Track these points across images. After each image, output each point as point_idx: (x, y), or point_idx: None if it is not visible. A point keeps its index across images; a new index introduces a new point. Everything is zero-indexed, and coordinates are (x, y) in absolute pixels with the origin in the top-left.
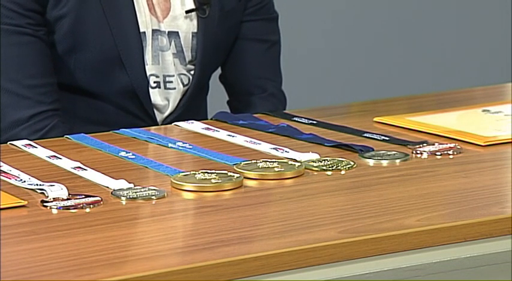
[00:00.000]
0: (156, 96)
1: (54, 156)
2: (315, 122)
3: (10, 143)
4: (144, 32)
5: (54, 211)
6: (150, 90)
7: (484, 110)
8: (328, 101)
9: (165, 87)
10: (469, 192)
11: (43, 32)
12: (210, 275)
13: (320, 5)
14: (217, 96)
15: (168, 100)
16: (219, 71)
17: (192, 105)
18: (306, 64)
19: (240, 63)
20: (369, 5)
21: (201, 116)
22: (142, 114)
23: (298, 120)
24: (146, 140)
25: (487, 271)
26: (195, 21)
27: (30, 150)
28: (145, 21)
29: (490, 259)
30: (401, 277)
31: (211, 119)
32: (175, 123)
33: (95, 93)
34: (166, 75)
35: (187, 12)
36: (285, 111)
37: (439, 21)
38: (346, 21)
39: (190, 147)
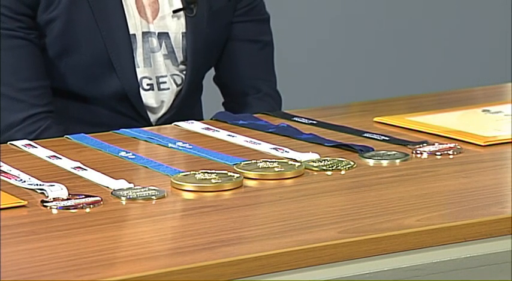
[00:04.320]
0: (149, 98)
1: (54, 156)
2: (315, 122)
3: (10, 143)
4: (134, 35)
5: (54, 211)
6: (144, 92)
7: (484, 110)
8: (328, 101)
9: (159, 89)
10: (469, 192)
11: (34, 35)
12: (210, 275)
13: (321, 4)
14: (212, 98)
15: (162, 101)
16: (212, 72)
17: (185, 106)
18: (306, 64)
19: (233, 64)
20: (369, 5)
21: (195, 117)
22: (135, 115)
23: (298, 120)
24: (146, 140)
25: (487, 271)
26: (183, 21)
27: (30, 150)
28: (135, 24)
29: (490, 259)
30: (401, 277)
31: (211, 119)
32: (175, 123)
33: (86, 96)
34: (159, 76)
35: (174, 11)
36: (284, 111)
37: (439, 21)
38: (346, 21)
39: (190, 147)
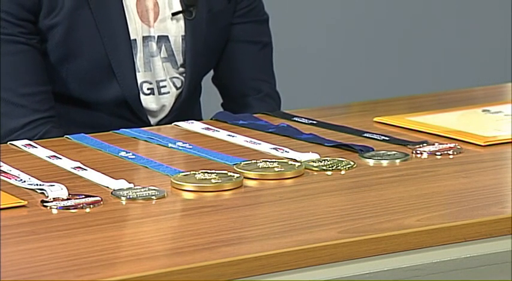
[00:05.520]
0: (150, 103)
1: (54, 156)
2: (315, 122)
3: (10, 143)
4: (135, 40)
5: (54, 211)
6: (144, 97)
7: (484, 110)
8: (328, 101)
9: (159, 93)
10: (469, 192)
11: (36, 41)
12: (210, 275)
13: (321, 4)
14: (211, 98)
15: (163, 105)
16: (211, 73)
17: (185, 108)
18: (305, 64)
19: (233, 65)
20: (369, 5)
21: (194, 118)
22: (136, 119)
23: (298, 120)
24: (146, 140)
25: (487, 271)
26: (182, 24)
27: (30, 150)
28: (135, 29)
29: (490, 259)
30: (401, 277)
31: (211, 119)
32: (175, 123)
33: (87, 101)
34: (159, 80)
35: (173, 14)
36: (284, 111)
37: (439, 21)
38: (346, 21)
39: (190, 147)
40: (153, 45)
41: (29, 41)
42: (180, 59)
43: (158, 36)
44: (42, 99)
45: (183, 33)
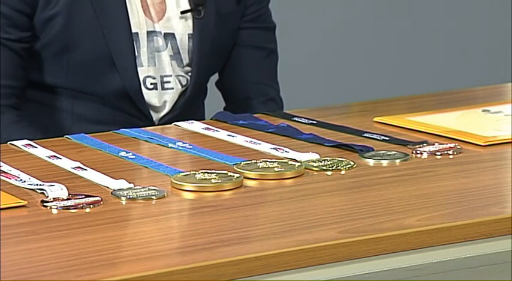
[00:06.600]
0: (152, 98)
1: (54, 156)
2: (315, 122)
3: (10, 143)
4: (137, 33)
5: (54, 211)
6: (147, 91)
7: (484, 110)
8: (328, 101)
9: (163, 88)
10: (469, 192)
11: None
12: (210, 275)
13: (321, 4)
14: (214, 101)
15: (165, 101)
16: (215, 76)
17: (189, 107)
18: (306, 64)
19: (238, 69)
20: (369, 5)
21: (197, 119)
22: (138, 113)
23: (298, 120)
24: (146, 140)
25: (487, 271)
26: (190, 23)
27: (30, 150)
28: (138, 22)
29: (490, 259)
30: (401, 277)
31: (211, 119)
32: (176, 123)
33: (89, 93)
34: (164, 75)
35: (182, 13)
36: (284, 111)
37: (439, 21)
38: (346, 21)
39: (190, 147)
40: (159, 40)
41: (8, 43)
42: (185, 58)
43: (164, 33)
44: (6, 93)
45: (190, 32)
